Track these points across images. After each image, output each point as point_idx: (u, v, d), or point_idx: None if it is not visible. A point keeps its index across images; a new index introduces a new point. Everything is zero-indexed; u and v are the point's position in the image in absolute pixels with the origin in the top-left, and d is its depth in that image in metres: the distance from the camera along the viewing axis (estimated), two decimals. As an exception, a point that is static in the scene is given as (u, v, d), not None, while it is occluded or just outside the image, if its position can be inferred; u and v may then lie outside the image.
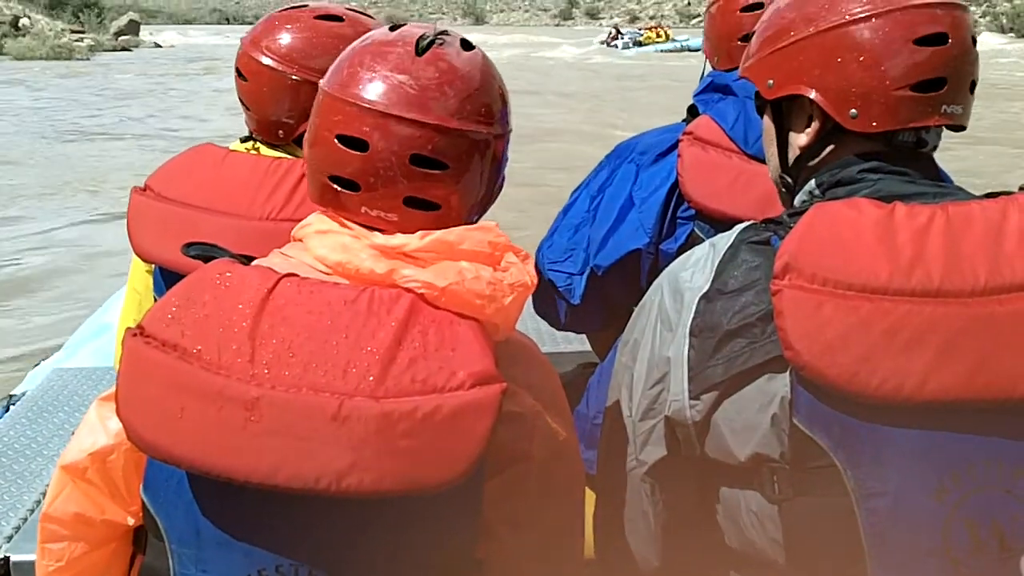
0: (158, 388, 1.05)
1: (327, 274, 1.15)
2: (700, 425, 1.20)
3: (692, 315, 1.20)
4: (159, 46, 47.91)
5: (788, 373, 1.11)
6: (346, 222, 1.18)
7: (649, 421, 1.27)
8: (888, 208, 1.12)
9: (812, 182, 1.28)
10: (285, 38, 1.82)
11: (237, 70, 1.87)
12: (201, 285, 1.11)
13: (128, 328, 1.10)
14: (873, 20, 1.20)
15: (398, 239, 1.14)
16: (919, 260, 1.07)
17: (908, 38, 1.18)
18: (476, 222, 1.23)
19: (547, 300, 2.12)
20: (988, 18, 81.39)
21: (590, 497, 1.45)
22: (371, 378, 1.03)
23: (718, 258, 1.22)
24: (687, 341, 1.20)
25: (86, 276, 7.58)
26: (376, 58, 1.17)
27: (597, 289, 2.02)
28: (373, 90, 1.15)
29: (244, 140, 1.96)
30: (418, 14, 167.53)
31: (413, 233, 1.15)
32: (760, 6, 1.90)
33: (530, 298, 2.09)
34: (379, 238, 1.15)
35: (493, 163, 1.22)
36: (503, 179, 1.28)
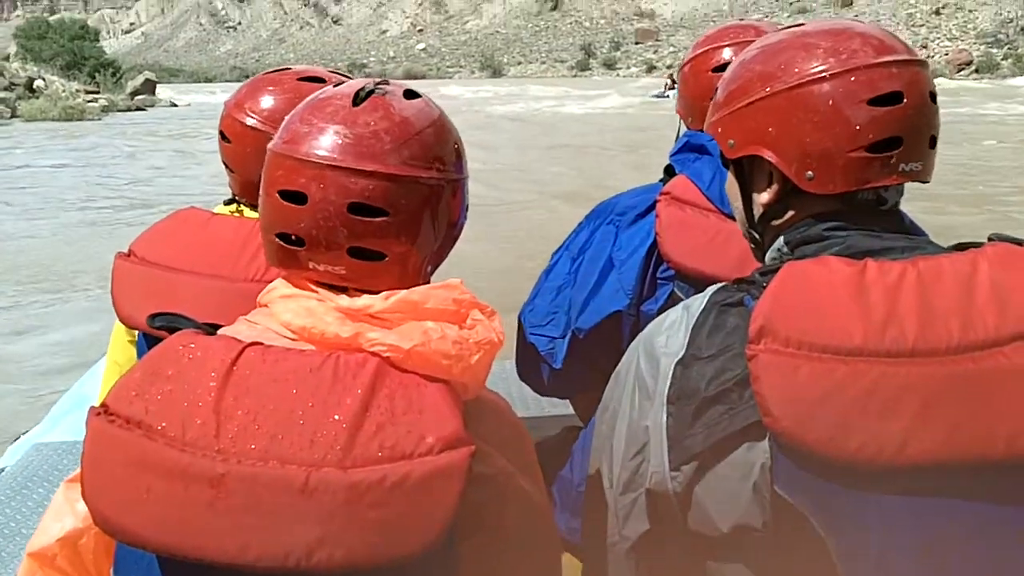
0: (123, 468, 1.03)
1: (293, 340, 1.14)
2: (682, 496, 1.18)
3: (668, 382, 1.19)
4: (175, 105, 47.74)
5: (767, 439, 1.10)
6: (310, 285, 1.17)
7: (630, 494, 1.25)
8: (859, 265, 1.12)
9: (781, 239, 1.29)
10: (268, 100, 1.83)
11: (221, 133, 1.88)
12: (165, 359, 1.10)
13: (92, 407, 1.09)
14: (827, 81, 1.20)
15: (363, 300, 1.14)
16: (892, 318, 1.07)
17: (862, 98, 1.19)
18: (431, 272, 1.24)
19: (530, 364, 2.11)
20: (1011, 60, 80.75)
21: (576, 567, 1.50)
22: (338, 447, 1.02)
23: (692, 321, 1.21)
24: (665, 409, 1.18)
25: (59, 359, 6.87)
26: (314, 112, 1.18)
27: (579, 352, 2.00)
28: (309, 142, 1.15)
29: (228, 203, 1.96)
30: (436, 68, 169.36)
31: (366, 288, 1.16)
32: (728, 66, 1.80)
33: (513, 362, 2.14)
34: (344, 300, 1.14)
35: (442, 209, 1.20)
36: (460, 227, 1.26)
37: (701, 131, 1.95)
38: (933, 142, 1.23)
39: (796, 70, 1.22)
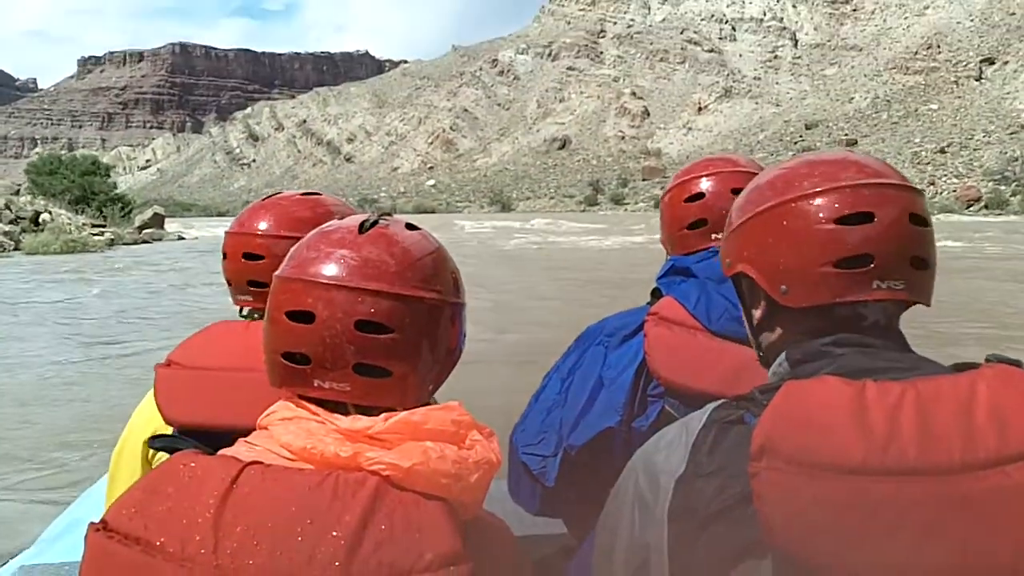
0: None
1: (292, 460, 1.15)
2: None
3: (669, 499, 1.19)
4: (182, 238, 47.53)
5: (770, 557, 1.10)
6: (310, 406, 1.19)
7: None
8: (859, 385, 1.13)
9: (783, 355, 1.31)
10: (283, 211, 1.88)
11: (244, 255, 1.87)
12: (165, 477, 1.12)
13: (91, 523, 1.10)
14: (800, 201, 1.25)
15: (363, 422, 1.15)
16: (894, 438, 1.07)
17: (831, 218, 1.23)
18: (433, 392, 1.26)
19: (521, 484, 2.12)
20: (1020, 197, 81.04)
21: None
22: (337, 564, 1.02)
23: (692, 439, 1.21)
24: (665, 526, 1.18)
25: None
26: (321, 240, 1.24)
27: (571, 470, 2.00)
28: (317, 266, 1.19)
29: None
30: (445, 203, 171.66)
31: (369, 405, 1.19)
32: (701, 196, 2.03)
33: (506, 481, 2.16)
34: (344, 422, 1.15)
35: (443, 331, 1.25)
36: (459, 351, 1.30)
37: (683, 256, 2.04)
38: (920, 263, 1.24)
39: (780, 192, 1.28)
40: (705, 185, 2.03)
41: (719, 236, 1.94)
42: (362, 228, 1.23)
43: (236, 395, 1.58)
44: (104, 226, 41.77)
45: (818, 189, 1.24)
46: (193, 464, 1.11)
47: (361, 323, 1.16)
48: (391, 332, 1.17)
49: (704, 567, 1.13)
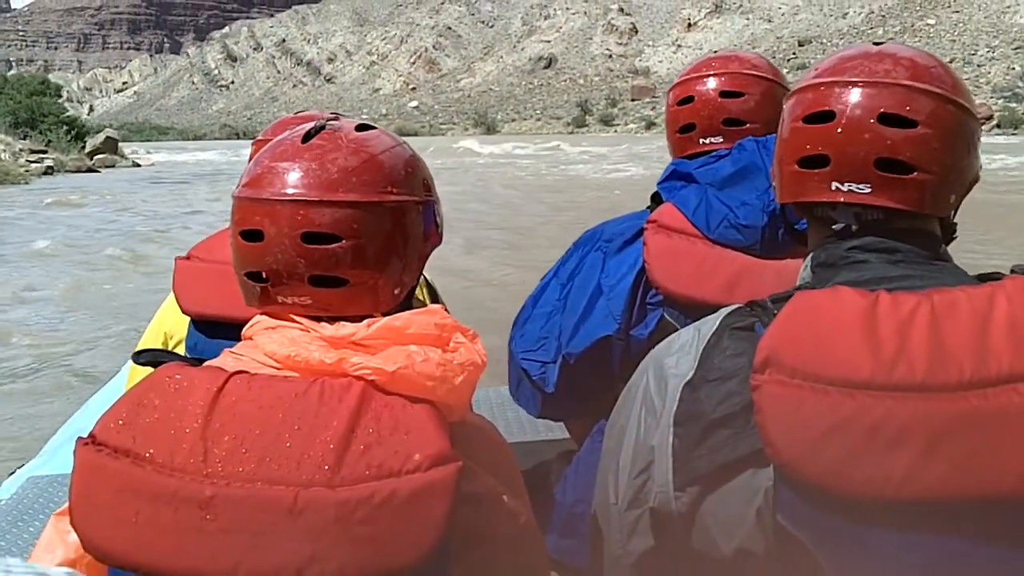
0: (112, 495, 1.06)
1: (277, 369, 1.16)
2: (686, 517, 1.19)
3: (676, 403, 1.20)
4: (138, 165, 43.68)
5: (772, 467, 1.10)
6: (293, 317, 1.20)
7: (635, 511, 1.26)
8: (872, 297, 1.11)
9: (809, 257, 1.29)
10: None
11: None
12: (151, 389, 1.13)
13: (79, 438, 1.11)
14: (795, 95, 1.28)
15: (346, 328, 1.15)
16: (902, 353, 1.05)
17: (800, 116, 1.24)
18: (404, 293, 1.26)
19: (522, 388, 2.15)
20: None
21: None
22: (326, 467, 1.03)
23: (703, 344, 1.22)
24: (671, 430, 1.19)
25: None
26: (267, 155, 1.23)
27: (570, 377, 2.00)
28: (262, 182, 1.19)
29: None
30: (429, 125, 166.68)
31: (337, 315, 1.19)
32: (691, 100, 1.99)
33: (507, 388, 2.23)
34: (327, 329, 1.16)
35: (402, 231, 1.22)
36: (429, 247, 1.29)
37: (685, 159, 1.99)
38: (891, 165, 1.18)
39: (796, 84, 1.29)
40: (697, 88, 1.98)
41: (707, 141, 1.94)
42: (307, 136, 1.20)
43: None
44: (45, 152, 37.75)
45: (804, 84, 1.24)
46: (179, 375, 1.11)
47: (307, 235, 1.15)
48: (339, 241, 1.15)
49: (707, 472, 1.13)
